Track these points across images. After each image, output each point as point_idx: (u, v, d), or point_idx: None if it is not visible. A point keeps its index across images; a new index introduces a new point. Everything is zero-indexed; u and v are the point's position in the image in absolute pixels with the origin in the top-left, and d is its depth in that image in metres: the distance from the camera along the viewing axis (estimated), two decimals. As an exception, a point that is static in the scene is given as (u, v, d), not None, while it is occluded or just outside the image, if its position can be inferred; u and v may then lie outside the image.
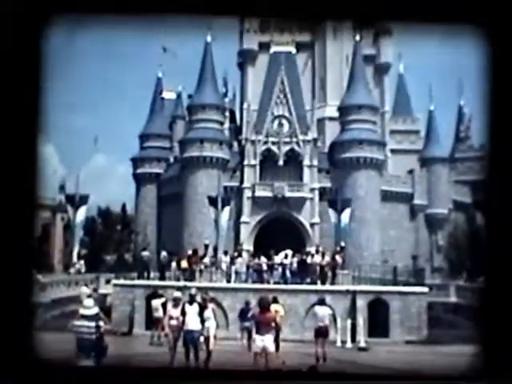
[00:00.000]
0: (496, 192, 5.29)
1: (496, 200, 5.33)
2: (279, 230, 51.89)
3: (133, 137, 67.71)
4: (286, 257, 34.67)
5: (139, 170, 64.74)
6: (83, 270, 41.01)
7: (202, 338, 15.36)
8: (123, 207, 66.86)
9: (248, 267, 34.89)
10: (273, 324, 13.49)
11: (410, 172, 59.78)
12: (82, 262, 42.97)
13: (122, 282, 33.53)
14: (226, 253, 36.17)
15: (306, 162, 54.83)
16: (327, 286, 32.41)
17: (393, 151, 62.80)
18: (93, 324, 10.88)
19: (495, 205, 5.34)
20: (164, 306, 22.46)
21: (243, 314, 22.74)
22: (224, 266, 34.67)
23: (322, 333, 18.84)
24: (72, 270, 40.80)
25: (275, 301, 20.00)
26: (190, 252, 35.78)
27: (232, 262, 34.54)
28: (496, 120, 5.26)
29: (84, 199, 46.20)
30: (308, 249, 44.68)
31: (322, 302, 19.94)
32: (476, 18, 5.06)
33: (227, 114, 60.59)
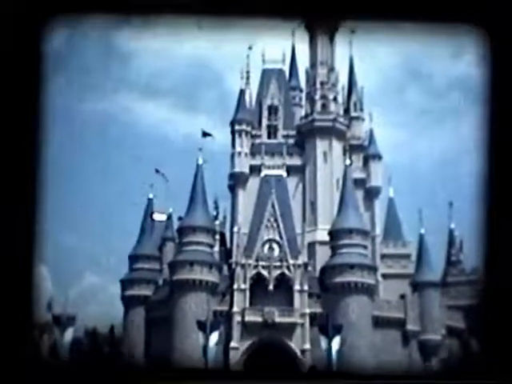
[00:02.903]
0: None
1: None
2: (269, 356, 50.91)
3: (123, 257, 67.13)
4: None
5: (128, 292, 63.91)
6: None
7: None
8: (111, 329, 65.71)
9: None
10: None
11: (402, 297, 59.09)
12: None
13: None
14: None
15: (297, 286, 54.41)
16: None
17: (384, 276, 62.40)
18: None
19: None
20: None
21: None
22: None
23: None
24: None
25: None
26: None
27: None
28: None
29: (71, 320, 45.41)
30: (298, 377, 43.58)
31: None
32: (476, 18, 4.95)
33: (217, 236, 60.54)
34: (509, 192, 5.00)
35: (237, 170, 64.70)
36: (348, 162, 61.33)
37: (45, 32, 4.77)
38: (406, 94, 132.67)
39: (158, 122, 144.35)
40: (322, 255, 58.99)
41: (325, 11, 5.28)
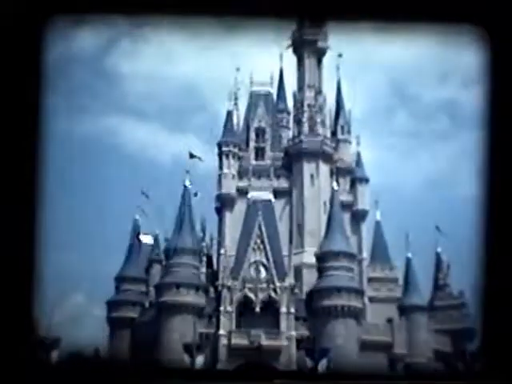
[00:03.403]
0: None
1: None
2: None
3: (109, 279, 66.68)
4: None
5: (114, 314, 63.49)
6: None
7: None
8: (96, 352, 65.09)
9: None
10: None
11: (389, 321, 58.92)
12: None
13: None
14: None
15: (283, 309, 54.15)
16: None
17: (371, 299, 62.25)
18: None
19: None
20: None
21: None
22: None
23: None
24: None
25: None
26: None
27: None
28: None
29: (56, 343, 45.08)
30: (285, 401, 43.33)
31: None
32: (475, 18, 4.93)
33: (204, 258, 60.41)
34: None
35: (224, 191, 64.67)
36: (335, 184, 61.44)
37: (45, 32, 4.74)
38: (394, 117, 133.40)
39: (146, 144, 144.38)
40: (309, 278, 58.83)
41: (323, 11, 5.25)
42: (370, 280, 64.45)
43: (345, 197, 64.90)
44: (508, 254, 5.07)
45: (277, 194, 63.03)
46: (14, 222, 4.86)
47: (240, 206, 62.57)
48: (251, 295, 54.73)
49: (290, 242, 61.93)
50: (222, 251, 61.09)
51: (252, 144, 67.40)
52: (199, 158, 62.77)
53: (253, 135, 67.63)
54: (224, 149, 65.30)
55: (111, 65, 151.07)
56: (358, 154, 68.56)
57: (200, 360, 47.97)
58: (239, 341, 53.46)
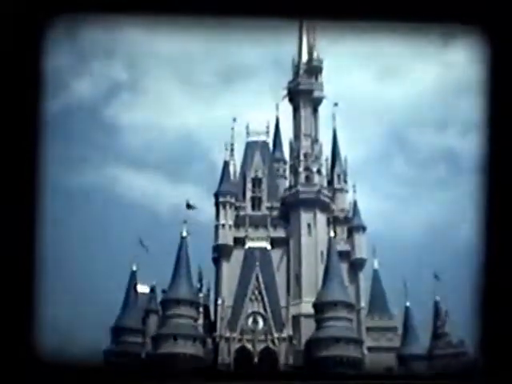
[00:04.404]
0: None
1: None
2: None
3: (105, 330, 66.11)
4: None
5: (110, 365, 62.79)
6: None
7: None
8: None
9: None
10: None
11: (388, 370, 58.33)
12: None
13: None
14: None
15: (282, 360, 53.73)
16: None
17: (370, 349, 61.69)
18: None
19: None
20: None
21: None
22: None
23: None
24: None
25: None
26: None
27: None
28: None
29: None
30: None
31: None
32: (475, 19, 4.97)
33: (201, 309, 59.95)
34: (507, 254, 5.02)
35: (221, 242, 64.44)
36: (332, 234, 61.49)
37: (45, 32, 4.78)
38: (391, 164, 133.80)
39: (145, 194, 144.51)
40: (307, 328, 58.42)
41: (320, 11, 5.33)
42: (369, 329, 63.91)
43: (342, 246, 64.82)
44: (507, 255, 5.09)
45: (274, 243, 62.96)
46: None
47: (237, 256, 62.43)
48: (249, 346, 54.42)
49: (288, 291, 61.66)
50: (220, 302, 60.74)
51: (249, 194, 67.52)
52: (194, 208, 62.80)
53: (249, 185, 67.77)
54: (221, 199, 65.35)
55: (110, 116, 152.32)
56: (355, 203, 68.68)
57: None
58: (237, 393, 52.90)
